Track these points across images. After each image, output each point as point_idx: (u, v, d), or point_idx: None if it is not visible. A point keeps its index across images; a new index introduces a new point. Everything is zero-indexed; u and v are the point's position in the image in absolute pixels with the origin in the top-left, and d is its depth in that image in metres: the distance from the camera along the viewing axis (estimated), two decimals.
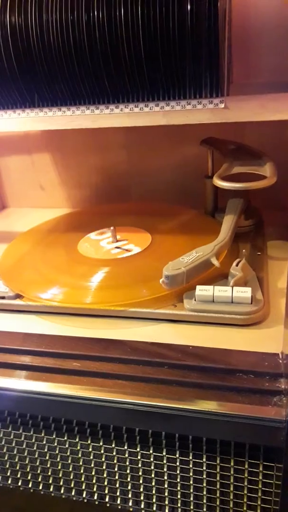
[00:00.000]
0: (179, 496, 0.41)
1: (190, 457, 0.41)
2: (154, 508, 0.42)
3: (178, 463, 0.41)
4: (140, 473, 0.42)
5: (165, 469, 0.41)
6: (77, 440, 0.43)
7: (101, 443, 0.43)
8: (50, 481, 0.46)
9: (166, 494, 0.42)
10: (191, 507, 0.41)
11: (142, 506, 0.43)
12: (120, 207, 0.75)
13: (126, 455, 0.42)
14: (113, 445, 0.43)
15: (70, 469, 0.44)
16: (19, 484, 0.47)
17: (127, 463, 0.42)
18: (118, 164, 0.77)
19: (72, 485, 0.45)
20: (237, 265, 0.47)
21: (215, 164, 0.63)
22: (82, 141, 0.76)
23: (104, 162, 0.77)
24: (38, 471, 0.46)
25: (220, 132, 0.64)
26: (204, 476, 0.40)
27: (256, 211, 0.63)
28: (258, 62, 0.61)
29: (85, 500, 0.45)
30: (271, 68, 0.60)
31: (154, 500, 0.42)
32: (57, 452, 0.44)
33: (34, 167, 0.81)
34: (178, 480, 0.41)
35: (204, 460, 0.40)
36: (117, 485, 0.43)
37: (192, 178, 0.72)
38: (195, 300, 0.46)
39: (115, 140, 0.75)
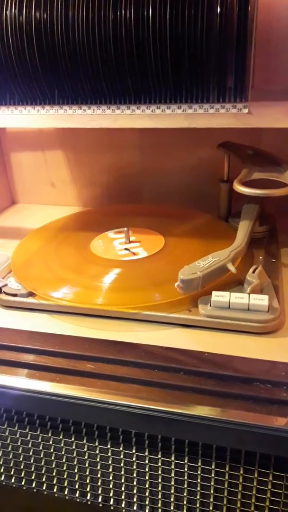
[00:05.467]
0: (185, 502, 0.41)
1: (199, 463, 0.40)
2: None
3: (186, 469, 0.40)
4: (147, 478, 0.42)
5: (172, 474, 0.41)
6: (84, 441, 0.43)
7: (108, 446, 0.42)
8: (54, 482, 0.45)
9: (172, 499, 0.42)
10: None
11: (147, 510, 0.42)
12: (132, 208, 0.74)
13: (134, 459, 0.42)
14: (121, 448, 0.42)
15: (75, 470, 0.44)
16: (23, 483, 0.46)
17: (134, 467, 0.42)
18: (131, 164, 0.76)
19: (77, 486, 0.44)
20: (253, 272, 0.47)
21: (231, 169, 0.63)
22: (96, 139, 0.76)
23: (117, 161, 0.77)
24: (43, 471, 0.45)
25: (236, 136, 0.64)
26: (212, 483, 0.40)
27: (270, 218, 0.62)
28: (279, 67, 0.60)
29: (89, 502, 0.44)
30: None
31: (159, 505, 0.42)
32: (63, 453, 0.44)
33: (47, 164, 0.80)
34: (185, 486, 0.41)
35: (213, 467, 0.40)
36: (123, 488, 0.43)
37: (205, 182, 0.72)
38: (210, 305, 0.45)
39: (129, 140, 0.75)
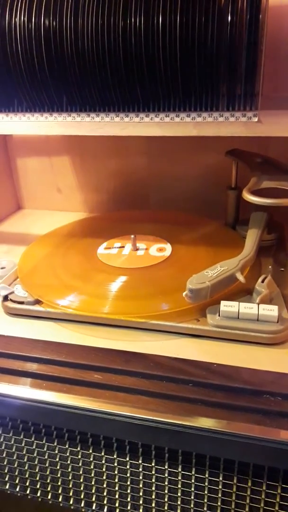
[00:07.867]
0: None
1: (206, 475, 0.40)
2: None
3: (193, 480, 0.40)
4: (153, 488, 0.41)
5: (179, 486, 0.41)
6: (90, 451, 0.43)
7: (115, 456, 0.42)
8: (59, 491, 0.45)
9: (178, 511, 0.41)
10: None
11: None
12: (139, 214, 0.74)
13: (140, 469, 0.41)
14: (127, 459, 0.42)
15: (81, 480, 0.44)
16: (27, 492, 0.46)
17: (140, 477, 0.42)
18: (137, 170, 0.76)
19: (82, 496, 0.44)
20: (262, 281, 0.46)
21: (239, 176, 0.62)
22: (103, 145, 0.76)
23: (124, 167, 0.77)
24: (48, 480, 0.45)
25: (244, 143, 0.63)
26: (219, 495, 0.40)
27: (278, 225, 0.62)
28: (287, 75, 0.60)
29: None
30: None
31: None
32: (68, 462, 0.43)
33: (53, 169, 0.80)
34: (192, 497, 0.40)
35: (221, 479, 0.39)
36: (128, 499, 0.42)
37: (212, 189, 0.71)
38: (219, 315, 0.45)
39: (136, 146, 0.74)
